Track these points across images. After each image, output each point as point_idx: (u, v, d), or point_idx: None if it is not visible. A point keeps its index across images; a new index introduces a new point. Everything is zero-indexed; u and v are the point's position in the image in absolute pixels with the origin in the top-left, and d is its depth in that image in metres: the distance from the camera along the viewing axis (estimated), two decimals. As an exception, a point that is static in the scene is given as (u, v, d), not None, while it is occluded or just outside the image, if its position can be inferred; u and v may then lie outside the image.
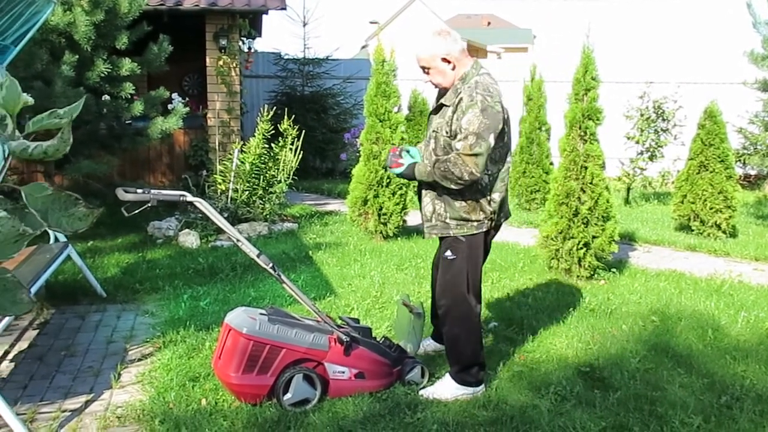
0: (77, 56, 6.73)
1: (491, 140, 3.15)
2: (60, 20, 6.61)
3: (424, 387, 3.46)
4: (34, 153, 1.64)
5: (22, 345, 4.09)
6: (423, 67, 3.33)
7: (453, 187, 3.22)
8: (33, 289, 3.74)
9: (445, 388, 3.41)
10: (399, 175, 3.42)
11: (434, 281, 3.75)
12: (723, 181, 7.50)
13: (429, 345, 3.96)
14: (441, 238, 3.45)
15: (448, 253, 3.39)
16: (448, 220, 3.37)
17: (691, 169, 7.75)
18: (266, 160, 7.69)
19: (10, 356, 3.92)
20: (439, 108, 3.37)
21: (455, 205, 3.33)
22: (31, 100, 1.77)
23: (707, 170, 7.59)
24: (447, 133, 3.26)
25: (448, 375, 3.47)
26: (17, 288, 1.57)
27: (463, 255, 3.36)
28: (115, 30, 7.11)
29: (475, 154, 3.11)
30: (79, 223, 1.70)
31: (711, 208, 7.56)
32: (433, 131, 3.35)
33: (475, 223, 3.35)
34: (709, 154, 7.55)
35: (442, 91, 3.41)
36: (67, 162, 7.04)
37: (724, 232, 7.61)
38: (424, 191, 3.44)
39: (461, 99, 3.21)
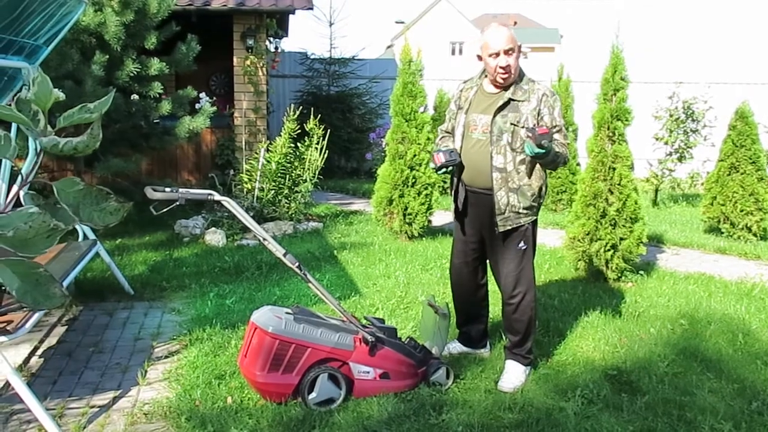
0: (107, 56, 6.82)
1: None
2: (91, 20, 6.70)
3: (500, 382, 3.51)
4: (65, 148, 1.65)
5: (52, 341, 4.15)
6: (509, 50, 3.36)
7: (550, 170, 3.61)
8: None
9: (518, 374, 3.56)
10: (537, 155, 3.27)
11: (466, 280, 3.82)
12: (754, 183, 7.38)
13: (455, 348, 3.95)
14: (506, 232, 3.52)
15: (522, 244, 3.55)
16: (520, 211, 3.49)
17: (722, 171, 7.63)
18: (292, 160, 7.72)
19: (40, 352, 3.98)
20: (505, 104, 3.43)
21: (528, 194, 3.48)
22: (62, 96, 1.79)
23: (738, 172, 7.47)
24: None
25: (512, 362, 3.62)
26: (50, 282, 1.59)
27: (531, 242, 3.60)
28: (144, 30, 7.19)
29: (566, 144, 3.48)
30: (110, 218, 1.72)
31: (741, 211, 7.44)
32: (512, 125, 3.41)
33: (536, 209, 3.56)
34: (740, 156, 7.43)
35: (495, 90, 3.52)
36: (96, 160, 7.13)
37: (754, 235, 7.48)
38: (497, 184, 3.45)
39: (544, 94, 3.45)
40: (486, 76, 3.59)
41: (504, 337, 3.94)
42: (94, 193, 1.66)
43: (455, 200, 3.66)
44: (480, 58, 3.51)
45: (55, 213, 1.62)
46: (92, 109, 1.71)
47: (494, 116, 3.43)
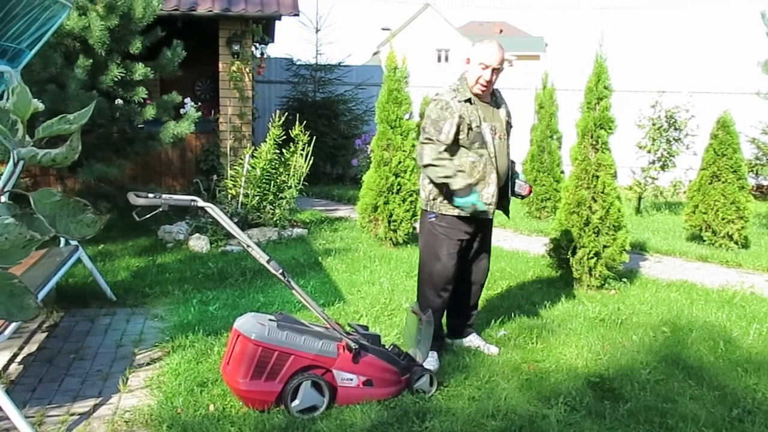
0: (91, 60, 6.77)
1: None
2: (75, 24, 6.65)
3: (487, 350, 4.07)
4: (43, 160, 1.63)
5: (32, 348, 4.10)
6: (498, 69, 3.73)
7: None
8: (43, 292, 3.76)
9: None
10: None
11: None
12: (735, 192, 7.45)
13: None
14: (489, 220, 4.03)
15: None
16: None
17: (704, 179, 7.70)
18: (277, 166, 7.70)
19: (20, 359, 3.93)
20: (498, 108, 3.94)
21: None
22: (41, 106, 1.77)
23: (720, 180, 7.54)
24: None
25: (476, 334, 4.22)
26: (24, 293, 1.56)
27: None
28: (129, 35, 7.15)
29: None
30: (87, 230, 1.69)
31: (723, 219, 7.51)
32: (508, 124, 3.99)
33: None
34: (721, 164, 7.50)
35: (482, 97, 3.84)
36: (79, 165, 7.08)
37: (736, 243, 7.55)
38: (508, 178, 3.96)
39: (505, 102, 4.03)
40: (461, 84, 3.85)
41: (458, 320, 4.23)
42: (71, 204, 1.64)
43: (485, 206, 3.77)
44: (468, 61, 3.78)
45: (32, 223, 1.60)
46: (71, 120, 1.69)
47: (506, 124, 3.96)
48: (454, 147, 3.75)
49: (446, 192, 3.77)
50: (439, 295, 3.92)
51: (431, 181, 3.83)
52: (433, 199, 3.87)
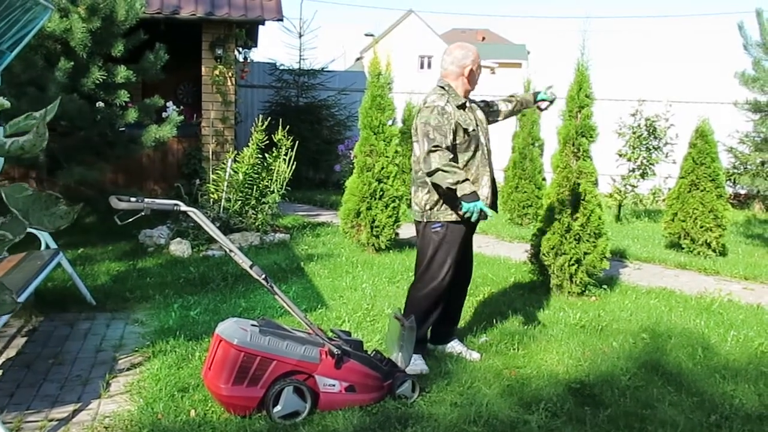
0: (72, 63, 6.72)
1: None
2: (56, 27, 6.60)
3: (470, 357, 4.07)
4: (11, 149, 1.64)
5: (10, 352, 4.05)
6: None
7: None
8: (23, 296, 3.72)
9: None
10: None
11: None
12: (713, 200, 7.55)
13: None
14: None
15: None
16: None
17: (682, 188, 7.80)
18: (259, 170, 7.68)
19: (-2, 363, 3.88)
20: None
21: None
22: (7, 104, 1.77)
23: (698, 189, 7.63)
24: None
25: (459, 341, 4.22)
26: (0, 290, 1.57)
27: None
28: (111, 37, 7.10)
29: None
30: (60, 221, 1.70)
31: (701, 227, 7.60)
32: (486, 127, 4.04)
33: None
34: (700, 173, 7.60)
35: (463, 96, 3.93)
36: (59, 168, 7.01)
37: (714, 251, 7.64)
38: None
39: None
40: (449, 91, 3.89)
41: (444, 325, 4.19)
42: (43, 198, 1.65)
43: (491, 211, 3.82)
44: (465, 69, 3.87)
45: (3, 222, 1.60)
46: (37, 117, 1.70)
47: (475, 118, 3.93)
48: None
49: (448, 199, 3.75)
50: (437, 305, 3.91)
51: (429, 191, 3.81)
52: (431, 209, 3.82)
